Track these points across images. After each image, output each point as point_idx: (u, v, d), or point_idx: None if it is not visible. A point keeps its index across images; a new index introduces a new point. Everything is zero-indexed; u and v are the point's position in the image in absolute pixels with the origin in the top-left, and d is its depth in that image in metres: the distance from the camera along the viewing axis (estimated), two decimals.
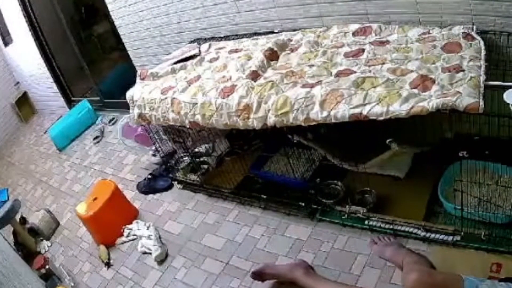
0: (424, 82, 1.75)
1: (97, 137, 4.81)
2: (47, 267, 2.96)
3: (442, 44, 1.98)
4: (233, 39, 3.04)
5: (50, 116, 6.36)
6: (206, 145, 3.27)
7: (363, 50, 2.17)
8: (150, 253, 2.72)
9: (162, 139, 3.23)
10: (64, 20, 5.14)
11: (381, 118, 1.73)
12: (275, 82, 2.15)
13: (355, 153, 2.50)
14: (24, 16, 5.45)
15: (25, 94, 6.86)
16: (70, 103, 6.03)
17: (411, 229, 2.07)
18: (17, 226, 3.47)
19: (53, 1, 5.04)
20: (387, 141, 2.28)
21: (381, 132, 2.23)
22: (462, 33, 2.00)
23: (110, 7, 3.96)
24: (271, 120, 2.06)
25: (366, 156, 2.42)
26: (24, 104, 6.89)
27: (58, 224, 3.65)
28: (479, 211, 1.93)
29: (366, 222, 2.22)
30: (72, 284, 2.87)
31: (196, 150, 3.27)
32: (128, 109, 2.88)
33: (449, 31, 2.06)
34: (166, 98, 2.55)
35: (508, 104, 1.49)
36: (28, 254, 3.35)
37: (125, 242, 3.00)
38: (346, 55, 2.19)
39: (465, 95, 1.57)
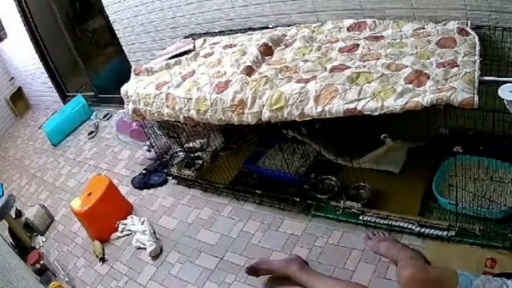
0: (418, 77, 1.74)
1: (91, 132, 4.80)
2: (41, 262, 2.96)
3: (437, 39, 1.98)
4: (228, 34, 3.02)
5: (45, 111, 6.32)
6: (201, 140, 3.27)
7: (357, 45, 2.16)
8: (145, 248, 2.72)
9: (156, 134, 3.22)
10: (58, 15, 5.09)
11: (376, 113, 1.73)
12: (270, 77, 2.14)
13: (349, 148, 2.49)
14: (19, 11, 5.39)
15: (19, 89, 6.82)
16: (64, 98, 6.00)
17: (405, 224, 2.07)
18: (12, 221, 3.46)
19: None
20: (382, 136, 2.28)
21: (375, 127, 2.23)
22: (457, 28, 2.00)
23: (104, 2, 3.93)
24: (266, 115, 2.06)
25: (360, 151, 2.42)
26: (18, 99, 6.84)
27: (52, 219, 3.64)
28: (474, 206, 1.93)
29: (360, 217, 2.22)
30: (67, 279, 2.86)
31: (191, 145, 3.27)
32: (123, 104, 2.86)
33: (444, 26, 2.06)
34: (160, 93, 2.53)
35: (503, 99, 1.49)
36: (23, 249, 3.35)
37: (119, 237, 2.99)
38: (341, 50, 2.18)
39: (460, 90, 1.57)
